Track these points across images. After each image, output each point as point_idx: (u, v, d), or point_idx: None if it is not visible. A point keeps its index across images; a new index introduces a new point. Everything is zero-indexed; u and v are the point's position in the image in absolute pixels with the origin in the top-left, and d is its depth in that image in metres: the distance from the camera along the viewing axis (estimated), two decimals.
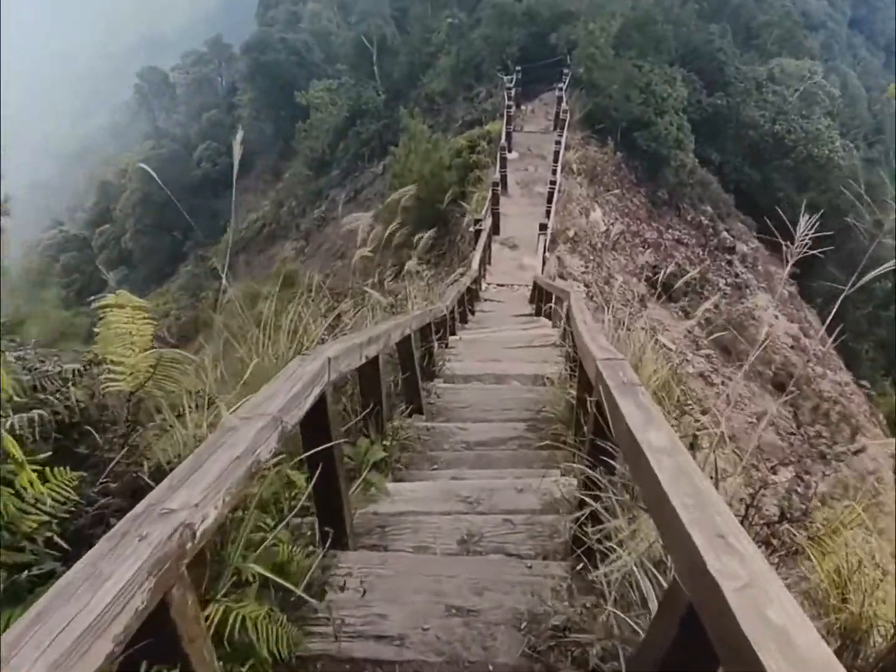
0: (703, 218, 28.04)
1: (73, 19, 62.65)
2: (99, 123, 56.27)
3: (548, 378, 6.74)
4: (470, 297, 12.51)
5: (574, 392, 4.93)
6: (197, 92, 55.40)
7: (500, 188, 19.09)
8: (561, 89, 25.66)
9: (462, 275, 13.08)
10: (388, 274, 8.71)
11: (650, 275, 22.77)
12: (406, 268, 9.22)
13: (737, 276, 27.44)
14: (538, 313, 12.49)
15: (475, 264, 13.74)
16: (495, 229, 18.61)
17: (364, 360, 3.58)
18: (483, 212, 17.84)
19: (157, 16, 61.17)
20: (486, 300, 14.91)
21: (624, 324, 6.17)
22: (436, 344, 7.51)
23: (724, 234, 28.28)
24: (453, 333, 9.27)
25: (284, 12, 51.79)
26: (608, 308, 6.88)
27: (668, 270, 24.36)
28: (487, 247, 16.67)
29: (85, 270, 53.48)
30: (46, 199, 56.15)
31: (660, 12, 27.18)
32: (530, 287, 15.41)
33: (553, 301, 10.44)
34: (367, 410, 4.04)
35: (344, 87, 41.14)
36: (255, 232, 45.13)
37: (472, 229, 16.98)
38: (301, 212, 40.62)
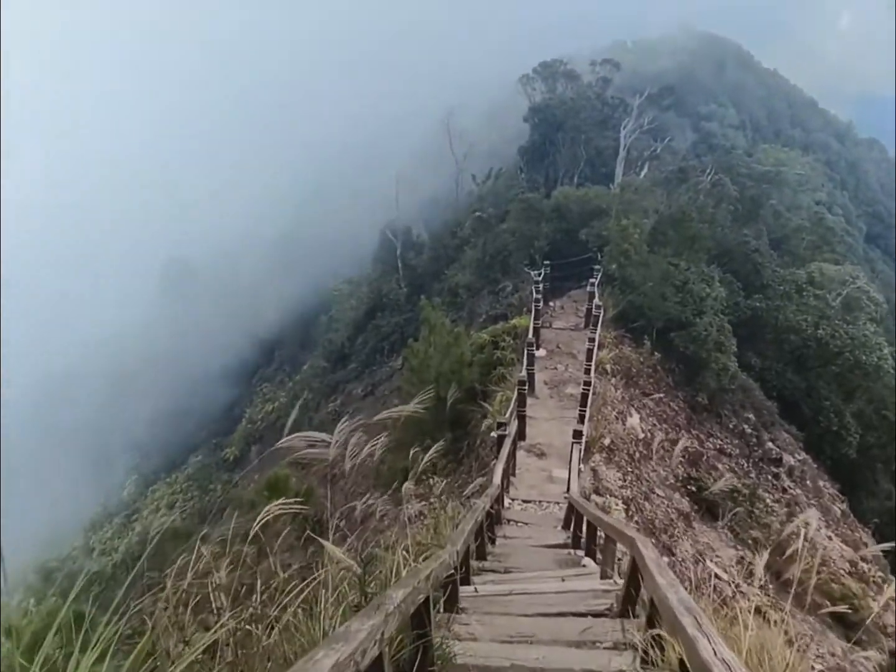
0: (746, 426, 25.97)
1: (105, 199, 64.50)
2: (122, 312, 56.78)
3: None
4: (490, 523, 10.11)
5: None
6: (222, 284, 56.15)
7: (526, 388, 17.17)
8: (593, 284, 24.34)
9: (481, 487, 10.87)
10: (380, 500, 6.42)
11: (693, 489, 20.47)
12: (403, 489, 6.95)
13: (784, 490, 25.07)
14: (575, 543, 10.11)
15: (497, 477, 11.46)
16: (521, 434, 16.55)
17: None
18: (507, 414, 15.72)
19: (187, 210, 63.01)
20: (509, 521, 12.52)
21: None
22: (440, 613, 5.13)
23: (769, 444, 26.14)
24: (466, 582, 6.79)
25: (317, 210, 53.08)
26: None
27: (713, 485, 21.79)
28: (512, 455, 14.45)
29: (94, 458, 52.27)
30: (66, 388, 55.80)
31: (694, 211, 26.40)
32: (560, 505, 13.29)
33: (601, 536, 8.12)
34: None
35: (366, 279, 41.04)
36: (269, 423, 44.16)
37: (494, 434, 14.85)
38: (315, 405, 39.40)
